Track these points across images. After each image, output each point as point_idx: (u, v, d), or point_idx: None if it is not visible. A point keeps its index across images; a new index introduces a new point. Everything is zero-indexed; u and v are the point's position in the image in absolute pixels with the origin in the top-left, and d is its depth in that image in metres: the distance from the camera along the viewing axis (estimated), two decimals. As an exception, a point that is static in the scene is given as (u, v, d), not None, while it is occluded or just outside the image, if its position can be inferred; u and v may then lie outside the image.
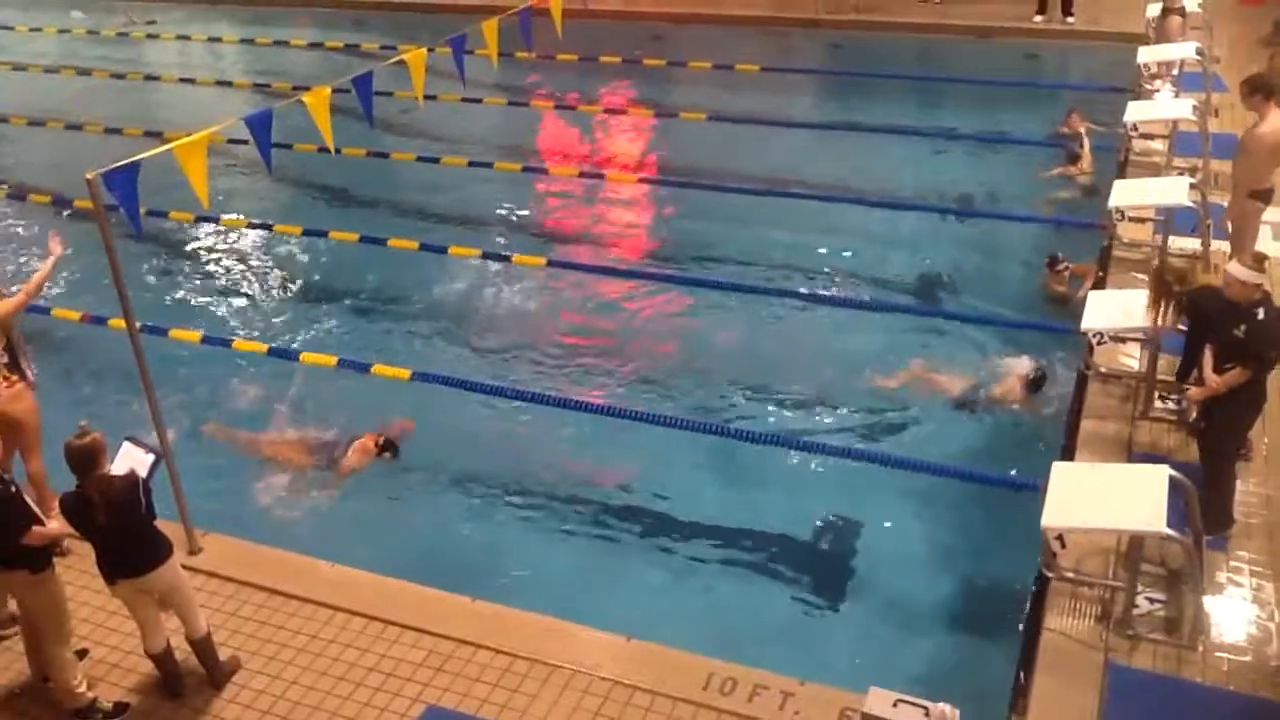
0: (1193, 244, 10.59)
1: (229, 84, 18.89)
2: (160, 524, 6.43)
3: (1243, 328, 6.96)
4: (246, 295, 12.56)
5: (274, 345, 10.93)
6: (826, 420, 9.84)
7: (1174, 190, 10.24)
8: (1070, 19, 18.79)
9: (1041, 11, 18.88)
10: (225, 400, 10.34)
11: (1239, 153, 9.89)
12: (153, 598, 6.48)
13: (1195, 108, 11.91)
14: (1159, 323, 7.89)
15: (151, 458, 6.54)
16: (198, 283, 12.94)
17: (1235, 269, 7.01)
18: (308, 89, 9.27)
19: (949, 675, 6.98)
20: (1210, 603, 6.75)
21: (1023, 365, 9.96)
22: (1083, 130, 14.30)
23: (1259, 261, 7.03)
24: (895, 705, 5.12)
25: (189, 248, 13.75)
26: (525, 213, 14.37)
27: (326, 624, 7.20)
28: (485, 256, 12.50)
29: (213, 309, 12.24)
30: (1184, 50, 13.64)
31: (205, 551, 7.79)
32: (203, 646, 6.69)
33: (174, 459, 7.42)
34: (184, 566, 7.15)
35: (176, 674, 6.70)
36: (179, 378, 10.23)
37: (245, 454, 9.54)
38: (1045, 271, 11.40)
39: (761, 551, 8.33)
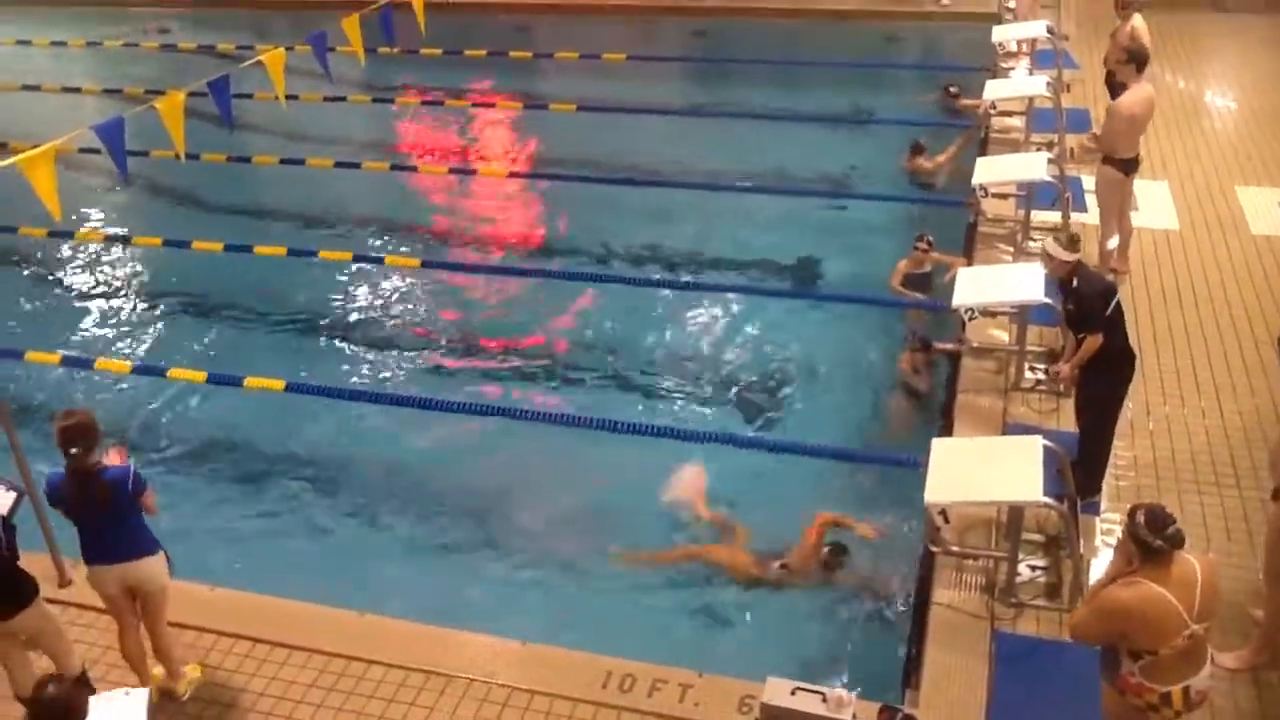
0: (1054, 217, 10.92)
1: (77, 90, 18.07)
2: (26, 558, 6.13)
3: (1070, 304, 7.30)
4: (107, 312, 12.04)
5: (139, 363, 10.50)
6: (705, 408, 9.90)
7: (1033, 165, 10.58)
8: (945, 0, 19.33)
9: None
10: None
11: (1105, 121, 10.17)
12: (19, 640, 6.15)
13: (1049, 84, 12.33)
14: None
15: (13, 495, 6.19)
16: (53, 301, 12.38)
17: (1052, 247, 7.35)
18: (161, 93, 8.91)
19: (844, 656, 7.10)
20: (1087, 565, 6.98)
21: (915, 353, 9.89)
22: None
23: (1073, 243, 7.35)
24: (793, 693, 5.16)
25: (43, 264, 13.14)
26: (396, 213, 14.11)
27: (210, 650, 6.93)
28: (357, 259, 12.23)
29: (71, 328, 11.68)
30: (1036, 29, 14.12)
31: (76, 584, 7.43)
32: (78, 685, 6.40)
33: (36, 491, 7.05)
34: (54, 600, 6.85)
35: (51, 716, 6.39)
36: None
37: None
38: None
39: (648, 546, 8.27)
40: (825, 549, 7.80)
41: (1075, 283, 7.26)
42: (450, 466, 9.23)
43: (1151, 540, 4.70)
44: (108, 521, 6.11)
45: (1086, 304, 7.20)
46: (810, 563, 7.80)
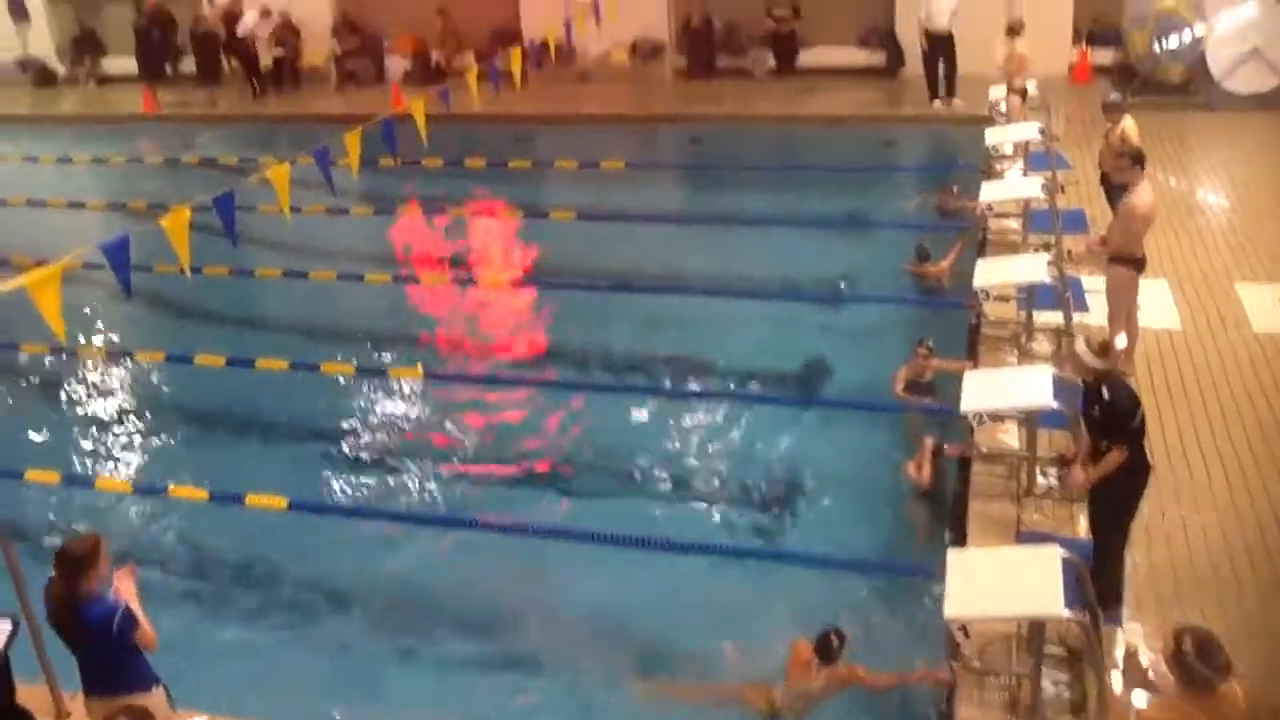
0: (1056, 318, 10.93)
1: (81, 205, 18.24)
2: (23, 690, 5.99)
3: (1097, 408, 7.19)
4: (108, 429, 11.94)
5: (139, 483, 10.39)
6: (710, 519, 9.74)
7: (1034, 267, 10.61)
8: (936, 102, 19.66)
9: (937, 96, 19.71)
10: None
11: (1119, 221, 10.23)
12: (17, 779, 5.99)
13: (1044, 185, 12.44)
14: None
15: (8, 628, 6.06)
16: (53, 419, 12.27)
17: (1084, 352, 7.23)
18: (165, 208, 8.95)
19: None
20: (1112, 679, 6.81)
21: (925, 441, 9.82)
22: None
23: (1104, 350, 7.25)
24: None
25: (44, 381, 13.11)
26: (399, 324, 14.11)
27: (213, 783, 6.75)
28: (360, 372, 12.19)
29: (71, 446, 11.54)
30: (1028, 130, 14.28)
31: (74, 716, 7.23)
32: (76, 825, 6.21)
33: (35, 616, 6.89)
34: (51, 735, 6.68)
35: None
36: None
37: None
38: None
39: (659, 667, 8.06)
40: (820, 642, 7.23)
41: (1106, 392, 7.11)
42: (455, 584, 9.07)
43: (1201, 670, 4.57)
44: (96, 653, 6.04)
45: (1118, 415, 7.08)
46: (807, 675, 7.33)
